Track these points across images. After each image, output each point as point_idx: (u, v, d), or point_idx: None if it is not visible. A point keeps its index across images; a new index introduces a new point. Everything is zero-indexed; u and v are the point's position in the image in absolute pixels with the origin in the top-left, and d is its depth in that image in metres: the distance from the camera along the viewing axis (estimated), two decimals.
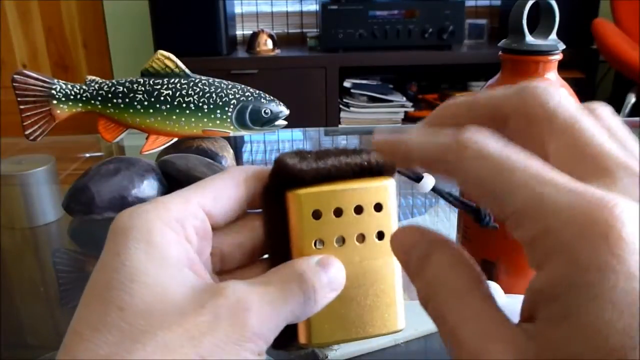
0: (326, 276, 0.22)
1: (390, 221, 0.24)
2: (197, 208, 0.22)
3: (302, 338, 0.24)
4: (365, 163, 0.24)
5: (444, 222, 0.71)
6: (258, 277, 0.21)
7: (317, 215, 0.23)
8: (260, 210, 0.25)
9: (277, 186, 0.24)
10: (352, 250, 0.24)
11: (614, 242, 0.14)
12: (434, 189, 0.28)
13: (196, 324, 0.19)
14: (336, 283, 0.22)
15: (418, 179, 0.28)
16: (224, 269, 0.24)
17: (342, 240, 0.24)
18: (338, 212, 0.23)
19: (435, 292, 0.18)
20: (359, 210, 0.24)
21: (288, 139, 1.09)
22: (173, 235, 0.20)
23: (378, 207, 0.24)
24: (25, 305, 0.58)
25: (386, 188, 0.24)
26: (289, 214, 0.23)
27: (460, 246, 0.20)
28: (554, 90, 0.19)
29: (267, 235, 0.24)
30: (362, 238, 0.24)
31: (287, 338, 0.23)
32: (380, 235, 0.24)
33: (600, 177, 0.17)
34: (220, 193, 0.23)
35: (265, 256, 0.25)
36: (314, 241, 0.23)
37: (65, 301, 0.58)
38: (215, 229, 0.23)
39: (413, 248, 0.20)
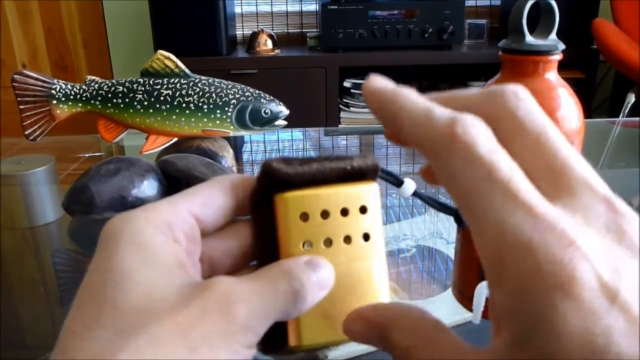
0: (315, 275, 0.22)
1: (375, 223, 0.25)
2: (185, 213, 0.23)
3: (292, 340, 0.24)
4: (348, 167, 0.24)
5: (444, 222, 0.71)
6: (256, 272, 0.22)
7: (304, 217, 0.24)
8: (248, 217, 0.25)
9: (264, 190, 0.24)
10: (338, 252, 0.24)
11: (567, 281, 0.16)
12: (414, 193, 0.29)
13: (185, 317, 0.19)
14: (325, 282, 0.23)
15: (399, 183, 0.28)
16: (213, 275, 0.24)
17: (329, 242, 0.24)
18: (325, 214, 0.24)
19: (409, 356, 0.20)
20: (345, 212, 0.24)
21: (288, 139, 1.09)
22: (162, 237, 0.21)
23: (363, 210, 0.25)
24: (25, 305, 0.58)
25: (370, 191, 0.25)
26: (277, 216, 0.24)
27: (413, 307, 0.21)
28: (523, 96, 0.20)
29: (256, 240, 0.25)
30: (348, 240, 0.25)
31: (277, 341, 0.24)
32: (366, 237, 0.25)
33: (564, 196, 0.18)
34: (208, 200, 0.24)
35: (254, 262, 0.25)
36: (302, 243, 0.24)
37: (65, 301, 0.58)
38: (204, 235, 0.24)
39: (367, 338, 0.22)
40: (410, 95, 0.21)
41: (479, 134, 0.18)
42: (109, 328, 0.19)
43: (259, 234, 0.25)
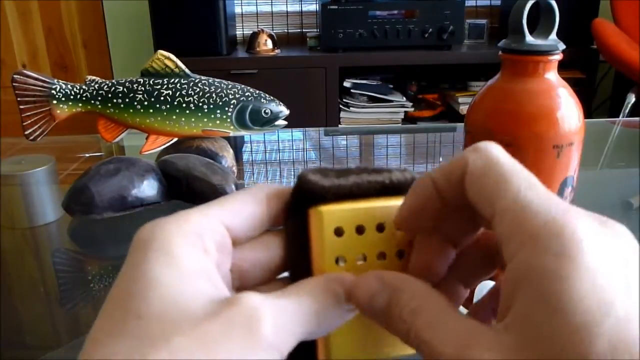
0: (345, 295, 0.22)
1: (410, 239, 0.24)
2: (216, 222, 0.22)
3: (321, 354, 0.24)
4: (387, 182, 0.24)
5: None
6: (287, 288, 0.22)
7: (339, 232, 0.23)
8: (281, 228, 0.25)
9: (300, 203, 0.24)
10: (372, 268, 0.24)
11: (574, 242, 0.18)
12: None
13: (210, 331, 0.19)
14: (355, 302, 0.22)
15: None
16: (243, 286, 0.24)
17: (363, 258, 0.24)
18: (360, 230, 0.24)
19: (411, 324, 0.20)
20: (380, 228, 0.24)
21: (288, 139, 1.09)
22: (191, 247, 0.21)
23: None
24: (25, 305, 0.58)
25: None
26: (311, 230, 0.24)
27: (420, 281, 0.22)
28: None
29: (288, 252, 0.24)
30: (382, 256, 0.24)
31: (304, 355, 0.23)
32: (401, 254, 0.24)
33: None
34: (241, 209, 0.23)
35: (285, 274, 0.25)
36: (335, 258, 0.23)
37: (65, 301, 0.58)
38: (235, 244, 0.23)
39: (376, 296, 0.22)
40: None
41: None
42: (131, 338, 0.19)
43: (292, 246, 0.24)
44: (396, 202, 0.24)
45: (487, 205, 0.20)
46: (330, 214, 0.23)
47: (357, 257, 0.24)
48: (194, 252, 0.21)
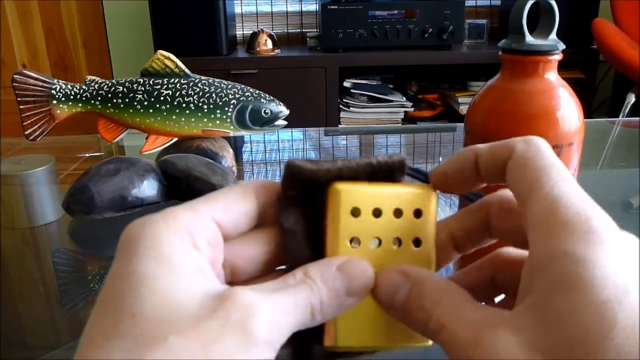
0: (344, 283, 0.22)
1: (428, 229, 0.24)
2: (207, 218, 0.22)
3: (327, 340, 0.23)
4: (374, 162, 0.24)
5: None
6: (269, 282, 0.22)
7: (356, 212, 0.23)
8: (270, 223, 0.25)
9: (290, 192, 0.24)
10: (387, 253, 0.24)
11: (599, 232, 0.19)
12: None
13: (206, 330, 0.19)
14: (356, 290, 0.22)
15: (427, 177, 0.28)
16: (235, 280, 0.24)
17: (378, 242, 0.24)
18: (377, 213, 0.24)
19: (432, 313, 0.21)
20: (398, 213, 0.24)
21: (288, 139, 1.09)
22: (181, 242, 0.21)
23: (417, 213, 0.24)
24: (25, 305, 0.58)
25: (428, 196, 0.24)
26: (327, 209, 0.24)
27: (440, 276, 0.23)
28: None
29: (284, 245, 0.24)
30: (398, 242, 0.24)
31: (308, 339, 0.23)
32: (417, 242, 0.24)
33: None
34: (230, 205, 0.23)
35: (278, 268, 0.25)
36: (350, 239, 0.23)
37: (65, 301, 0.58)
38: (226, 240, 0.23)
39: (399, 289, 0.22)
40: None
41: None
42: (127, 337, 0.19)
43: (287, 237, 0.24)
44: (416, 190, 0.24)
45: (523, 191, 0.21)
46: (349, 193, 0.23)
47: (372, 240, 0.24)
48: (185, 247, 0.21)
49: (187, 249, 0.21)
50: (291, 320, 0.21)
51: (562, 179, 0.21)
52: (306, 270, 0.22)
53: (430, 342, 0.24)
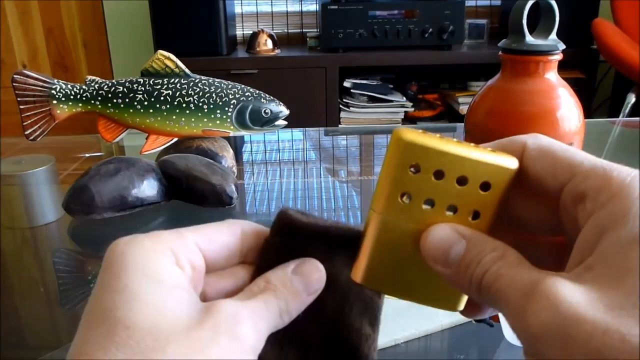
0: (301, 283, 0.23)
1: (492, 206, 0.23)
2: (191, 243, 0.23)
3: (354, 274, 0.24)
4: (356, 229, 0.24)
5: None
6: (239, 294, 0.23)
7: (416, 168, 0.22)
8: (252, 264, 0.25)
9: (277, 235, 0.24)
10: (437, 217, 0.22)
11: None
12: None
13: (199, 339, 0.20)
14: (312, 288, 0.24)
15: None
16: None
17: (431, 204, 0.22)
18: (439, 175, 0.22)
19: (488, 268, 0.21)
20: (462, 181, 0.22)
21: (288, 139, 1.09)
22: (167, 260, 0.22)
23: (485, 186, 0.22)
24: (25, 305, 0.58)
25: (506, 172, 0.22)
26: (388, 157, 0.22)
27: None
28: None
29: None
30: (453, 210, 0.23)
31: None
32: (475, 215, 0.23)
33: None
34: (214, 236, 0.24)
35: None
36: (402, 193, 0.22)
37: (65, 301, 0.58)
38: (206, 272, 0.24)
39: (454, 245, 0.22)
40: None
41: None
42: (124, 349, 0.19)
43: (260, 274, 0.24)
44: (495, 161, 0.22)
45: (561, 172, 0.21)
46: (414, 146, 0.22)
47: (425, 201, 0.22)
48: (170, 265, 0.22)
49: (172, 267, 0.22)
50: (267, 325, 0.22)
51: (593, 156, 0.22)
52: (266, 277, 0.23)
53: (461, 307, 0.24)
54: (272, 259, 0.24)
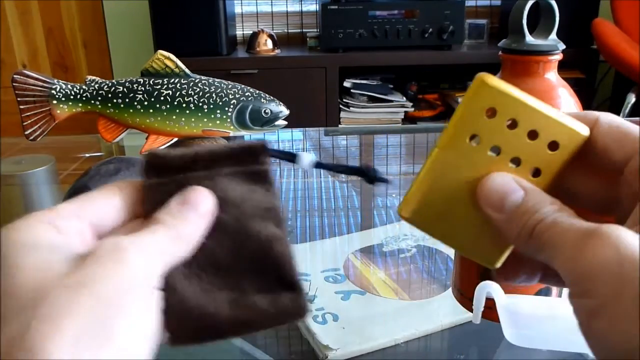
0: (187, 208, 0.24)
1: (555, 166, 0.23)
2: (66, 212, 0.23)
3: (401, 209, 0.24)
4: (235, 145, 0.24)
5: None
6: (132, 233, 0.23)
7: (490, 113, 0.22)
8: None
9: (151, 177, 0.24)
10: (500, 166, 0.23)
11: None
12: (318, 165, 0.28)
13: (84, 275, 0.20)
14: (201, 210, 0.24)
15: (292, 157, 0.28)
16: None
17: (497, 151, 0.23)
18: (512, 125, 0.22)
19: (547, 216, 0.21)
20: (533, 135, 0.23)
21: (288, 139, 1.09)
22: (43, 227, 0.22)
23: (553, 146, 0.23)
24: None
25: (576, 135, 0.23)
26: (466, 97, 0.22)
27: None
28: None
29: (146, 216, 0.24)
30: (516, 162, 0.23)
31: None
32: (536, 173, 0.23)
33: None
34: (95, 200, 0.25)
35: None
36: (472, 135, 0.23)
37: None
38: (101, 232, 0.24)
39: (512, 193, 0.22)
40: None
41: None
42: (13, 312, 0.19)
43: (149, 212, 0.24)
44: (567, 124, 0.22)
45: (629, 144, 0.22)
46: (494, 91, 0.22)
47: (491, 148, 0.23)
48: (46, 232, 0.22)
49: (49, 233, 0.22)
50: (157, 251, 0.22)
51: None
52: (153, 216, 0.24)
53: (498, 264, 0.24)
54: (157, 201, 0.24)
